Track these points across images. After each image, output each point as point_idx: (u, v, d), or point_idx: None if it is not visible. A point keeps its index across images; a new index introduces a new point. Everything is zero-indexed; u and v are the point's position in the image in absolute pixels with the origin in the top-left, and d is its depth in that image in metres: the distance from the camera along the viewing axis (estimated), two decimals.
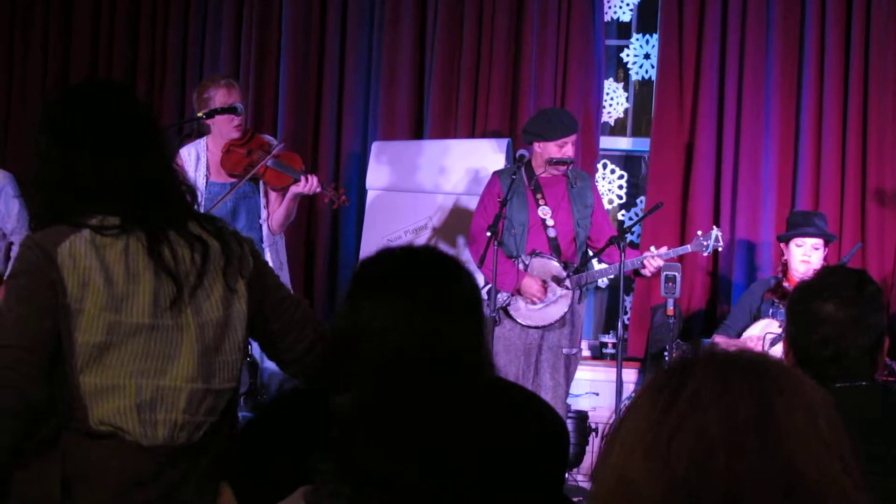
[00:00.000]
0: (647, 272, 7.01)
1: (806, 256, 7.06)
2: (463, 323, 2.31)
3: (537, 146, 7.12)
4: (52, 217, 2.94)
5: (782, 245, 7.24)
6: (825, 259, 7.14)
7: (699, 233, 7.18)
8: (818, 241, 7.10)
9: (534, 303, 7.06)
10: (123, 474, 2.89)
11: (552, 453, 1.79)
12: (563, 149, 7.07)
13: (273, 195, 6.94)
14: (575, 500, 7.18)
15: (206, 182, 6.94)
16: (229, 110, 6.78)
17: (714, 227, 7.31)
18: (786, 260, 7.16)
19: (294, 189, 6.83)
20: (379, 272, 2.35)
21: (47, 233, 2.91)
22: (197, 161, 6.96)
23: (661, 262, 6.98)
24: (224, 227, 3.13)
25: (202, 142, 7.04)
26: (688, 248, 7.17)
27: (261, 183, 6.93)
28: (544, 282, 7.06)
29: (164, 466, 2.92)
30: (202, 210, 6.86)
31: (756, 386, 1.42)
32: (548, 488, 1.78)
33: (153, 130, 3.09)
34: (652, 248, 7.08)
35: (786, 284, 7.11)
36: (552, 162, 7.06)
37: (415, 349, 2.24)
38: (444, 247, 8.02)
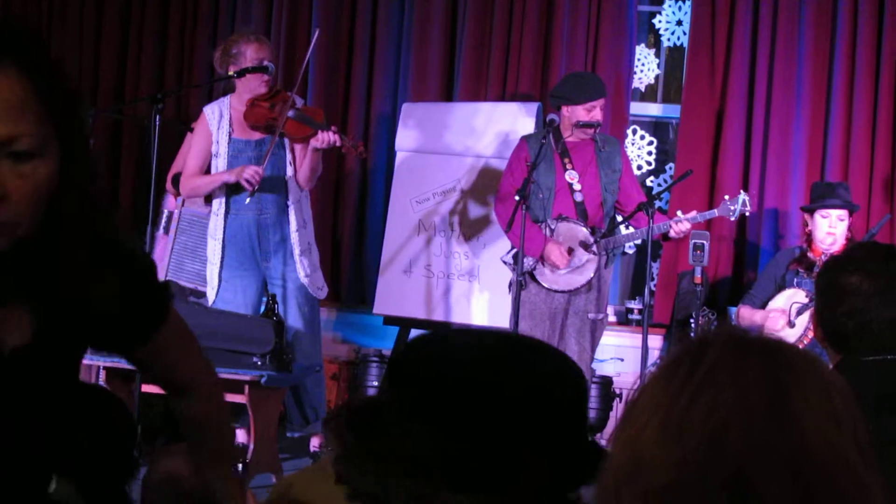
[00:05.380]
0: (674, 235, 7.02)
1: (832, 228, 7.05)
2: None
3: (565, 110, 7.12)
4: None
5: (806, 215, 7.22)
6: (850, 229, 7.12)
7: (726, 197, 7.17)
8: (843, 213, 7.07)
9: (555, 270, 7.06)
10: None
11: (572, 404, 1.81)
12: (591, 113, 7.07)
13: (299, 150, 6.94)
14: None
15: (230, 139, 6.95)
16: (260, 69, 6.79)
17: (741, 191, 7.29)
18: (809, 230, 7.15)
19: (312, 143, 6.83)
20: None
21: None
22: (220, 119, 6.97)
23: (688, 226, 6.98)
24: None
25: (226, 100, 7.05)
26: (715, 212, 7.16)
27: (286, 140, 6.93)
28: (570, 249, 7.07)
29: None
30: (227, 166, 6.90)
31: (771, 366, 1.44)
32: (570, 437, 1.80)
33: None
34: (679, 213, 7.08)
35: (810, 255, 7.10)
36: (579, 125, 7.07)
37: None
38: (472, 210, 8.03)
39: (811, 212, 7.16)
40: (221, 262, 6.96)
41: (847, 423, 1.42)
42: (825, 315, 3.12)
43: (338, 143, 6.81)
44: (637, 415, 1.46)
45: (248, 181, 6.72)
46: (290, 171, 6.93)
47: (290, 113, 6.83)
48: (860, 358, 3.02)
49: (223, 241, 6.95)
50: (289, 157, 6.94)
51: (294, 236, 6.92)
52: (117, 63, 9.07)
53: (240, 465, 3.42)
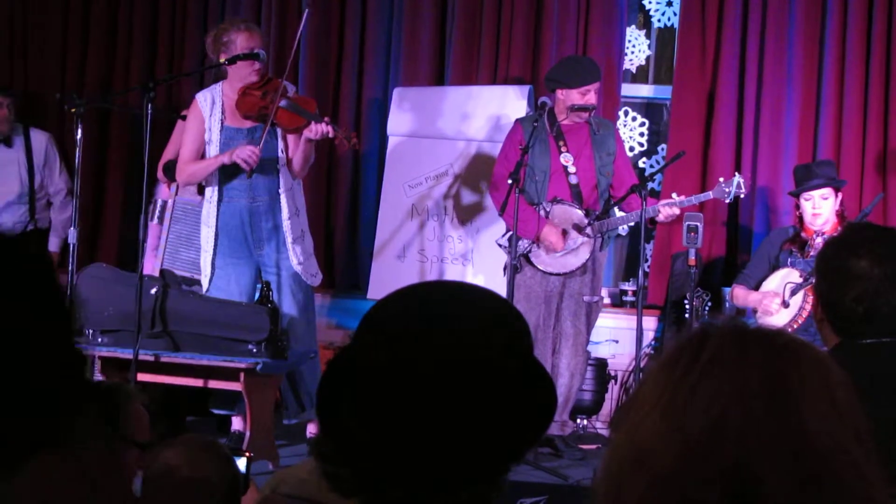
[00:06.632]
0: (661, 218, 7.02)
1: (816, 209, 7.02)
2: None
3: (560, 93, 7.14)
4: None
5: (795, 199, 7.22)
6: (842, 204, 7.10)
7: (721, 179, 7.17)
8: (826, 191, 7.04)
9: (552, 251, 7.08)
10: None
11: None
12: (586, 96, 7.10)
13: (292, 140, 6.93)
14: (593, 447, 7.24)
15: (222, 127, 6.93)
16: (252, 56, 6.77)
17: (736, 173, 7.29)
18: (800, 213, 7.13)
19: (305, 133, 6.81)
20: None
21: None
22: (212, 106, 6.95)
23: (676, 210, 6.99)
24: None
25: (218, 87, 7.02)
26: (709, 194, 7.16)
27: (278, 129, 6.91)
28: (564, 231, 7.08)
29: None
30: (219, 154, 6.89)
31: (772, 356, 1.45)
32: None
33: None
34: (674, 195, 7.09)
35: (803, 235, 7.09)
36: (574, 108, 7.09)
37: None
38: (465, 194, 8.03)
39: (796, 196, 7.15)
40: (214, 249, 6.96)
41: (848, 414, 1.44)
42: (830, 298, 3.07)
43: (331, 135, 6.79)
44: (639, 405, 1.47)
45: (245, 161, 6.70)
46: (282, 159, 6.91)
47: (283, 103, 6.81)
48: (858, 341, 3.01)
49: (216, 228, 6.94)
50: (280, 145, 6.92)
51: (286, 224, 6.91)
52: (106, 52, 9.04)
53: (244, 459, 3.38)
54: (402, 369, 1.67)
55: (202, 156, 7.00)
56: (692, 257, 7.01)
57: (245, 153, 6.70)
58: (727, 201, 7.29)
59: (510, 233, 6.95)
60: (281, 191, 6.91)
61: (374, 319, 1.78)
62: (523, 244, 7.05)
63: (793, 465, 1.39)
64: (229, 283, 6.94)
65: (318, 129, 6.75)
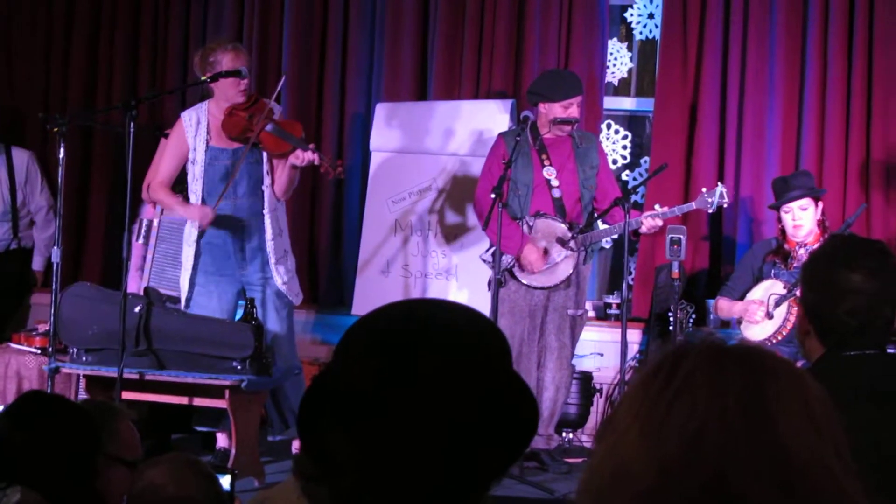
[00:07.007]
0: (644, 230, 7.03)
1: (796, 220, 7.03)
2: None
3: (542, 107, 7.15)
4: None
5: (776, 212, 7.23)
6: (823, 213, 7.12)
7: (704, 190, 7.18)
8: (805, 202, 7.05)
9: (532, 272, 7.09)
10: None
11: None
12: (569, 110, 7.11)
13: (277, 163, 6.93)
14: (578, 460, 7.24)
15: (207, 146, 6.93)
16: (234, 73, 6.77)
17: (719, 183, 7.30)
18: (782, 225, 7.14)
19: (291, 160, 6.81)
20: None
21: None
22: (197, 125, 6.95)
23: (660, 222, 7.00)
24: None
25: (203, 106, 7.02)
26: (692, 205, 7.16)
27: (264, 152, 6.91)
28: (546, 250, 7.08)
29: None
30: (203, 175, 6.89)
31: (749, 370, 1.45)
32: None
33: None
34: (657, 207, 7.11)
35: (786, 246, 7.10)
36: (557, 122, 7.10)
37: None
38: (448, 209, 8.03)
39: (777, 209, 7.16)
40: (194, 268, 6.96)
41: (826, 429, 1.44)
42: (820, 311, 3.05)
43: (316, 162, 6.80)
44: (618, 422, 1.47)
45: (196, 222, 6.82)
46: (266, 180, 6.91)
47: (269, 127, 6.81)
48: (843, 353, 3.00)
49: (197, 247, 6.94)
50: (266, 167, 6.91)
51: (269, 245, 6.91)
52: (88, 69, 9.02)
53: (228, 476, 3.37)
54: (384, 386, 1.67)
55: (182, 174, 7.02)
56: (676, 270, 7.02)
57: (195, 214, 6.77)
58: (710, 211, 7.29)
59: (494, 248, 6.95)
60: (265, 211, 6.91)
61: (355, 336, 1.78)
62: (507, 258, 7.05)
63: (772, 480, 1.39)
64: (210, 299, 6.94)
65: (305, 157, 6.76)
